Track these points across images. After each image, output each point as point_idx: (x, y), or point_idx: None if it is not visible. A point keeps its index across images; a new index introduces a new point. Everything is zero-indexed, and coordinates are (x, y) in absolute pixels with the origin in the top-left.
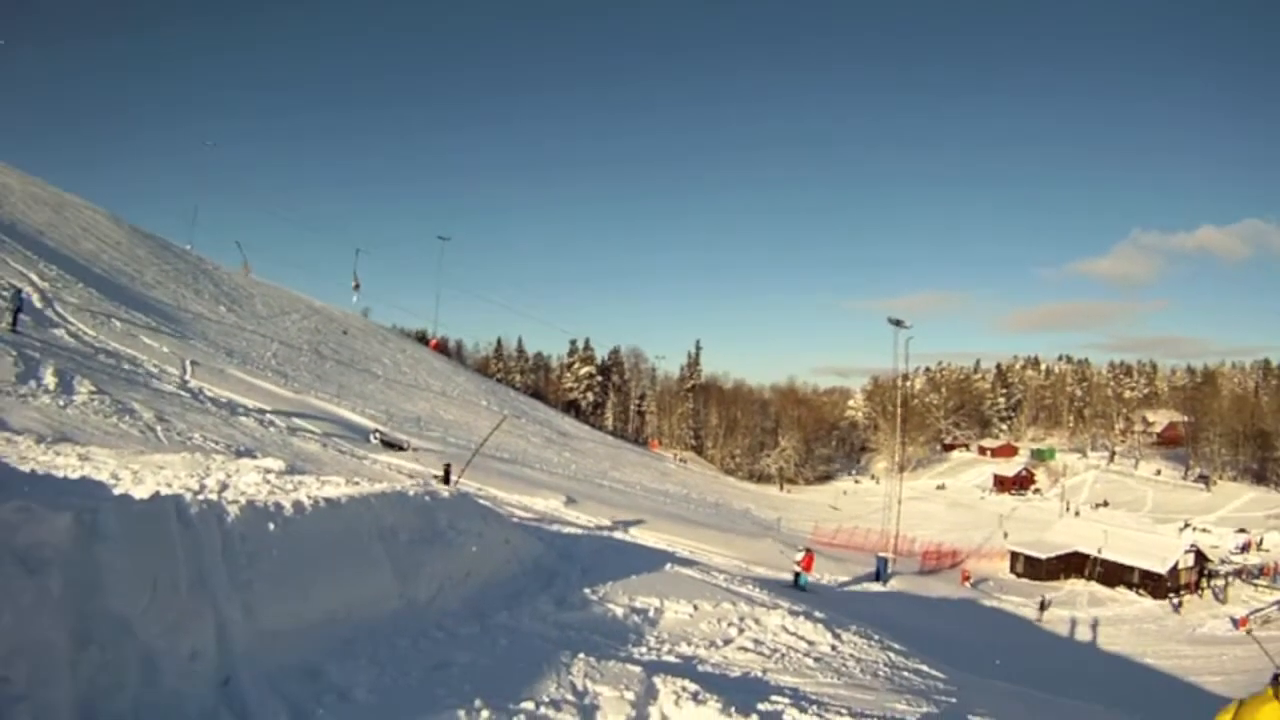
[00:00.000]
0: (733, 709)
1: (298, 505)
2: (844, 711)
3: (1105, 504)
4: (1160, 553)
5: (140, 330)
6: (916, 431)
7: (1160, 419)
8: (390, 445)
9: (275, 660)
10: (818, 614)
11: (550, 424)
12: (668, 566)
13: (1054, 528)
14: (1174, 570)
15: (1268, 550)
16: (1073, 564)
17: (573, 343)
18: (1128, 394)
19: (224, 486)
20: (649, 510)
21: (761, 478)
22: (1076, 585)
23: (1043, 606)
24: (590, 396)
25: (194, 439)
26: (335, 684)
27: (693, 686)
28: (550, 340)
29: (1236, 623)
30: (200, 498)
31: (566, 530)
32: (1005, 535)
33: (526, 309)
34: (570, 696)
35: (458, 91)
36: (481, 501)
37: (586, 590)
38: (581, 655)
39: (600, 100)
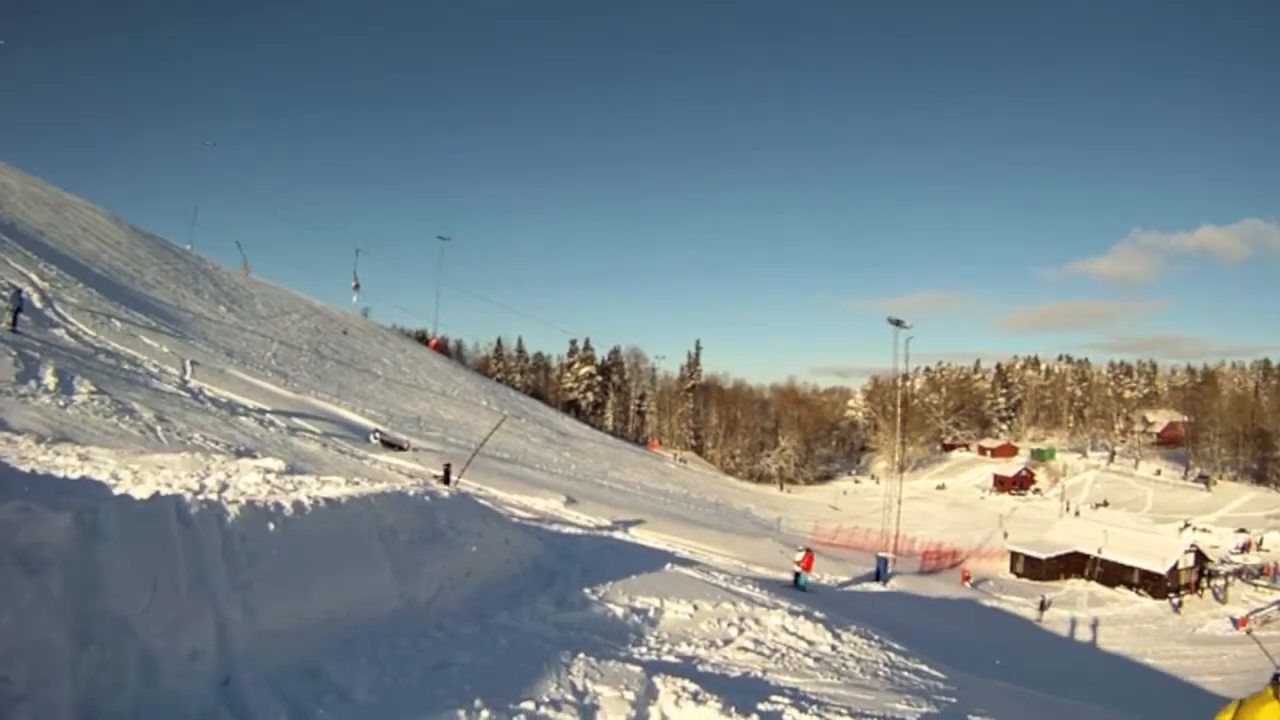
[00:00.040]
0: (733, 709)
1: (298, 505)
2: (844, 711)
3: (1105, 504)
4: (1160, 553)
5: (140, 330)
6: (916, 431)
7: (1160, 419)
8: (390, 445)
9: (275, 660)
10: (818, 614)
11: (550, 424)
12: (668, 566)
13: (1054, 528)
14: (1174, 570)
15: (1268, 550)
16: (1073, 564)
17: (573, 343)
18: (1128, 394)
19: (224, 486)
20: (649, 510)
21: (761, 478)
22: (1076, 585)
23: (1043, 606)
24: (590, 396)
25: (194, 439)
26: (335, 684)
27: (693, 686)
28: (550, 340)
29: (1236, 623)
30: (200, 498)
31: (566, 530)
32: (1005, 535)
33: (526, 309)
34: (570, 696)
35: (457, 91)
36: (481, 501)
37: (586, 590)
38: (581, 655)
39: (600, 100)
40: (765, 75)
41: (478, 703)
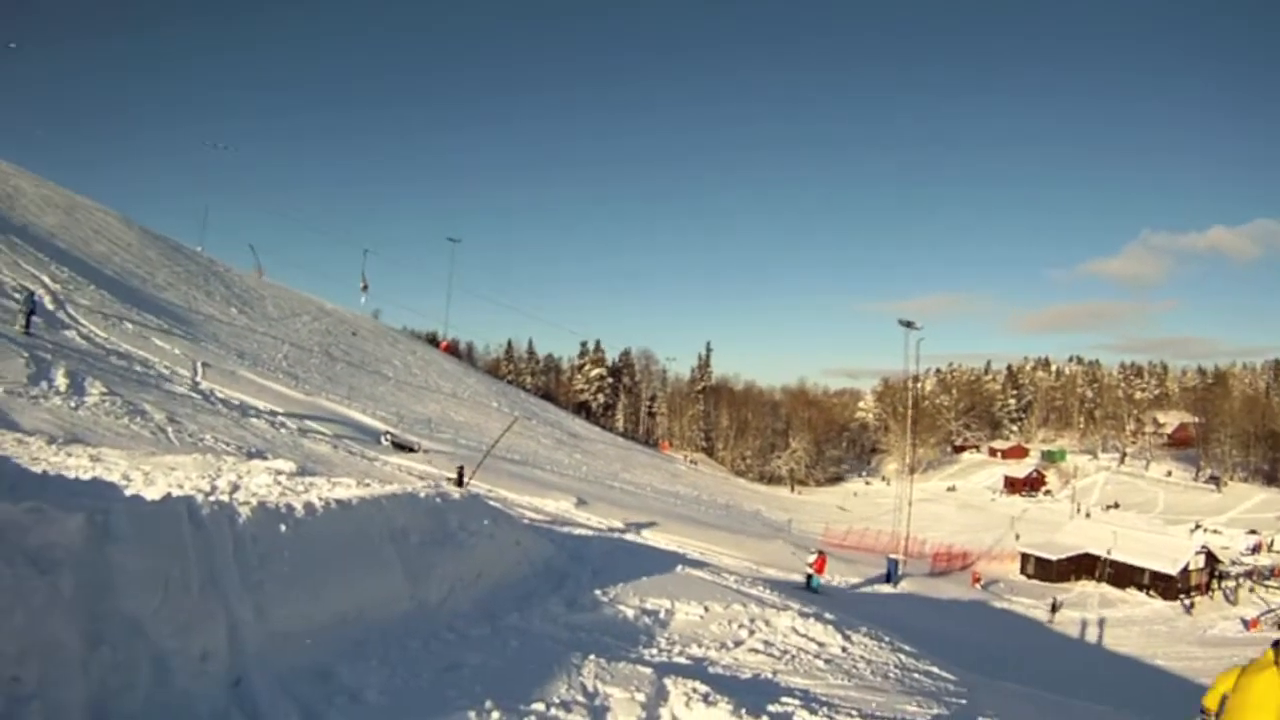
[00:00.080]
0: (743, 710)
1: (309, 506)
2: (854, 713)
3: (1116, 505)
4: (1171, 554)
5: (152, 332)
6: (927, 433)
7: (1171, 420)
8: (401, 447)
9: (287, 661)
10: (828, 615)
11: (561, 426)
12: (678, 568)
13: (1065, 529)
14: (1185, 571)
15: (1279, 551)
16: (1083, 565)
17: (583, 344)
18: (1138, 395)
19: (235, 488)
20: (660, 512)
21: (772, 479)
22: (1087, 587)
23: (1054, 608)
24: (601, 398)
25: (205, 440)
26: (346, 685)
27: (703, 688)
28: (561, 342)
29: (1248, 624)
30: (212, 499)
31: (577, 532)
32: (1016, 537)
33: (537, 311)
34: (581, 698)
35: (458, 92)
36: (492, 503)
37: (597, 592)
38: (592, 657)
39: (606, 101)
40: (768, 75)
41: (489, 704)
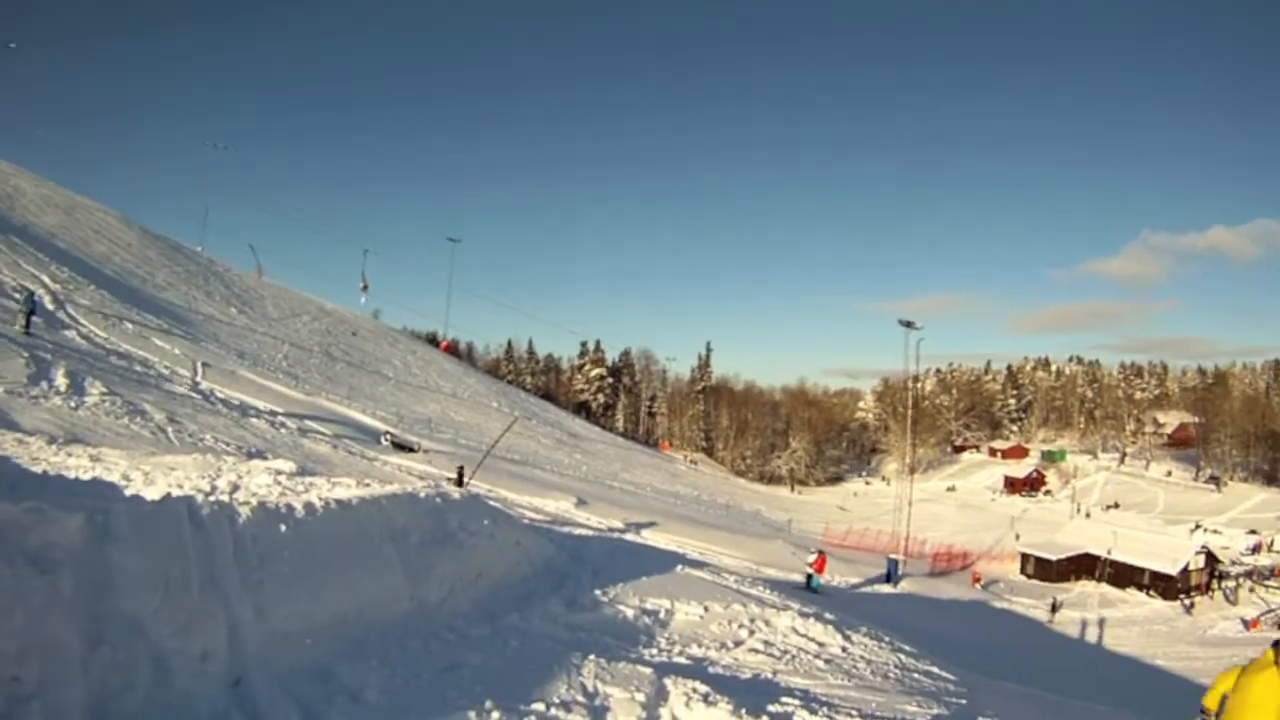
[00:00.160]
0: (743, 710)
1: (309, 506)
2: (854, 713)
3: (1116, 505)
4: (1171, 554)
5: (152, 332)
6: (927, 433)
7: (1171, 420)
8: (401, 447)
9: (287, 661)
10: (828, 616)
11: (561, 426)
12: (678, 568)
13: (1065, 529)
14: (1185, 571)
15: (1279, 552)
16: (1083, 565)
17: (583, 344)
18: (1138, 395)
19: (235, 488)
20: (660, 512)
21: (772, 479)
22: (1087, 587)
23: (1054, 608)
24: (601, 398)
25: (205, 440)
26: (346, 685)
27: (703, 688)
28: (561, 342)
29: (1248, 624)
30: (212, 499)
31: (577, 532)
32: (1016, 537)
33: (537, 311)
34: (581, 698)
35: (462, 93)
36: (492, 503)
37: (597, 592)
38: (592, 657)
39: (606, 101)
40: (768, 75)
41: (489, 704)
